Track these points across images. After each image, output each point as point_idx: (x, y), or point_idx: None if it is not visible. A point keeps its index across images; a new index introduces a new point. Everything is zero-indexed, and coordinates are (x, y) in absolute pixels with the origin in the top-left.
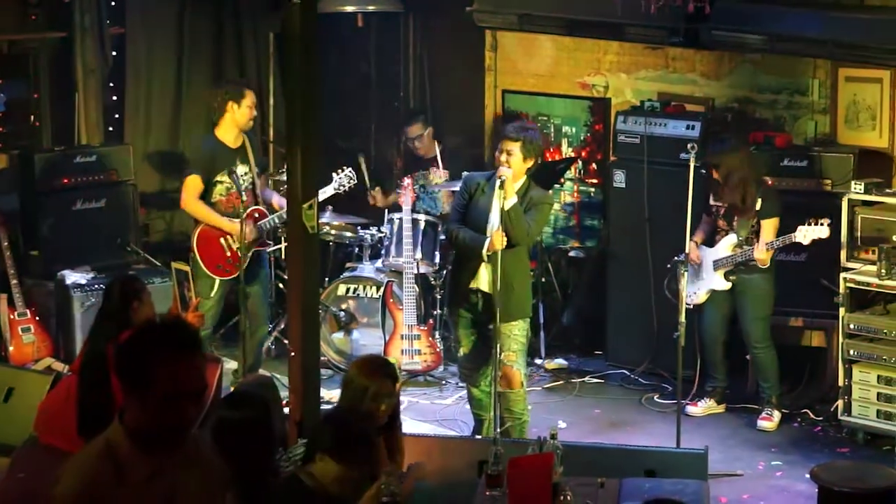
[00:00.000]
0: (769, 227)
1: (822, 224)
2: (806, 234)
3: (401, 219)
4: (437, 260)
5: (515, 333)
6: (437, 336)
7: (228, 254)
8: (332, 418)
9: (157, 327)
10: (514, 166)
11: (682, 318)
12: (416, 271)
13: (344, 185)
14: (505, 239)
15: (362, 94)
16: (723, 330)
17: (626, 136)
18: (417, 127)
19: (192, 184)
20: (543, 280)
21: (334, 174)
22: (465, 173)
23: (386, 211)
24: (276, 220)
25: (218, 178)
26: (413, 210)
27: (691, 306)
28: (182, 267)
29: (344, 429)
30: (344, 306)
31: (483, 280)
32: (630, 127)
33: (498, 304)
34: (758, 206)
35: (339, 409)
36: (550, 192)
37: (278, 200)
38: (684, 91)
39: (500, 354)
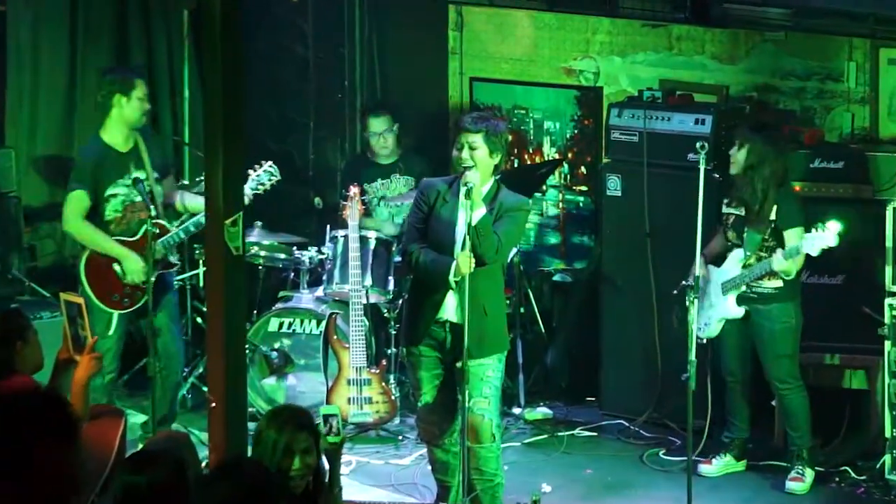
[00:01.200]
0: (793, 239)
1: (826, 230)
2: (814, 242)
3: (346, 237)
4: (392, 287)
5: (489, 375)
6: (392, 381)
7: (125, 281)
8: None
9: (33, 404)
10: (479, 165)
11: (693, 356)
12: (365, 301)
13: (264, 184)
14: (473, 261)
15: (299, 85)
16: (743, 367)
17: (622, 134)
18: (383, 120)
19: (76, 201)
20: (522, 310)
21: (251, 171)
22: (423, 180)
23: (328, 228)
24: (182, 235)
25: (109, 191)
26: (361, 226)
27: (703, 341)
28: (73, 298)
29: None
30: (277, 345)
31: (451, 309)
32: (626, 122)
33: (468, 334)
34: (773, 215)
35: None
36: (529, 197)
37: (186, 200)
38: (692, 78)
39: (468, 401)
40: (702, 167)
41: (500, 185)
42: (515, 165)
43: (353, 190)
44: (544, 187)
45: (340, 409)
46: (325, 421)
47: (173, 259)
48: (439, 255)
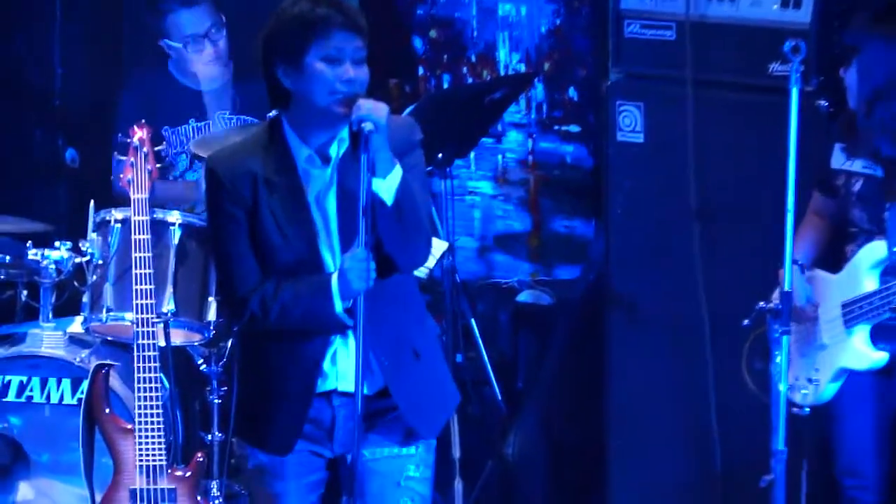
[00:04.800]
0: None
1: None
2: None
3: (126, 222)
4: (213, 317)
5: (411, 476)
6: (215, 491)
7: None
8: None
9: None
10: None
11: (782, 443)
12: (163, 343)
13: None
14: (373, 268)
15: None
16: (879, 459)
17: (645, 26)
18: (202, 12)
19: None
20: (459, 359)
21: None
22: (209, 162)
23: (91, 206)
24: None
25: None
26: (159, 203)
27: (806, 411)
28: None
29: None
30: None
31: (342, 369)
32: (653, 5)
33: (399, 396)
34: None
35: None
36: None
37: None
38: None
39: None
40: (794, 89)
41: None
42: (445, 87)
43: (141, 134)
44: (499, 127)
45: None
46: None
47: None
48: (299, 280)
